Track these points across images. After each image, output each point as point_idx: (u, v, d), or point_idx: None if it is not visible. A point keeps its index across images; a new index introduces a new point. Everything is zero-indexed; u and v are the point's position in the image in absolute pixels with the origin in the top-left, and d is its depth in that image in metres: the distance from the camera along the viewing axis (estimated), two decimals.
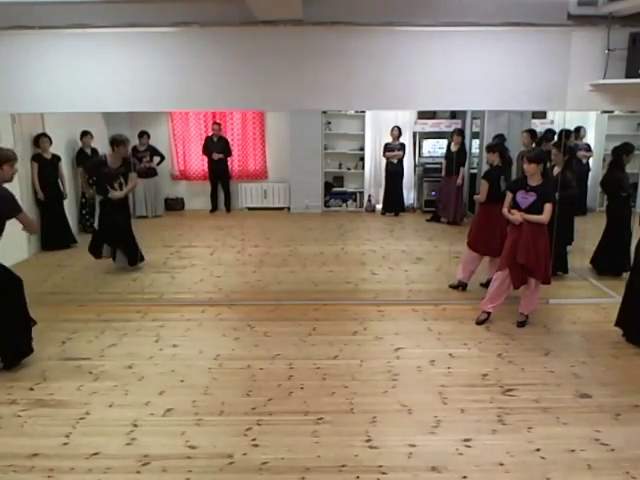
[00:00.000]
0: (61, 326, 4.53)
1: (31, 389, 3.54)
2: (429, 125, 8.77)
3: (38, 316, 4.69)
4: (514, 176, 5.62)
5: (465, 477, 2.71)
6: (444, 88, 4.55)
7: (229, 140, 8.42)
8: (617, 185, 5.50)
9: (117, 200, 5.65)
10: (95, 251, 5.86)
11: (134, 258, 5.87)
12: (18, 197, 5.56)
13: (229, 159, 8.34)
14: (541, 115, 7.06)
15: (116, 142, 5.54)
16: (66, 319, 4.67)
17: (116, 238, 5.79)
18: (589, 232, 5.91)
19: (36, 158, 6.06)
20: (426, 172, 8.68)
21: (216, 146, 8.19)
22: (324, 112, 8.49)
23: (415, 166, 8.92)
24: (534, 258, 4.23)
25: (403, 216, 8.58)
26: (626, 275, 4.49)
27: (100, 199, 5.71)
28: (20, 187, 5.95)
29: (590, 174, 7.11)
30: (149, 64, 4.52)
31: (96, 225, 5.79)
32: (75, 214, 6.79)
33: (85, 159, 6.47)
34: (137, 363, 3.90)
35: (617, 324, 4.30)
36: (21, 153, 5.96)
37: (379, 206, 8.80)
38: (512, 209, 4.37)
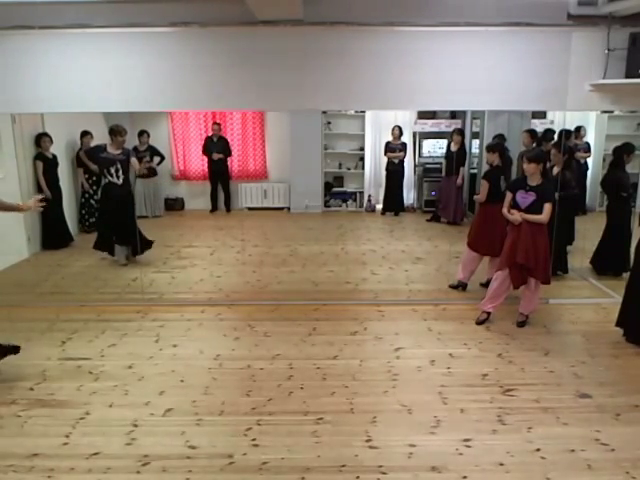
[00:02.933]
0: (61, 326, 4.54)
1: (31, 389, 3.54)
2: (429, 125, 8.77)
3: (38, 316, 4.72)
4: (514, 176, 5.62)
5: (465, 477, 2.71)
6: (444, 88, 4.55)
7: (229, 140, 8.41)
8: (617, 185, 5.49)
9: (118, 188, 5.83)
10: (101, 246, 5.99)
11: (136, 247, 5.99)
12: (19, 197, 5.62)
13: (229, 159, 8.33)
14: (541, 115, 7.05)
15: (113, 132, 5.80)
16: (66, 319, 4.67)
17: (119, 227, 5.91)
18: (589, 232, 5.91)
19: (40, 157, 6.10)
20: (426, 172, 8.68)
21: (216, 146, 8.17)
22: (324, 112, 8.47)
23: (415, 166, 8.91)
24: (534, 258, 4.23)
25: (403, 216, 8.57)
26: (626, 275, 4.49)
27: (102, 185, 5.92)
28: (20, 187, 5.96)
29: (589, 173, 7.12)
30: (149, 64, 4.52)
31: (97, 212, 6.05)
32: (75, 214, 6.80)
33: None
34: (137, 363, 3.90)
35: (618, 324, 4.30)
36: (22, 153, 5.98)
37: (379, 206, 8.79)
38: (512, 209, 4.37)
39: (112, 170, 5.78)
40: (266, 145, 8.69)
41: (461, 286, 5.36)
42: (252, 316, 4.75)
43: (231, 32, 4.44)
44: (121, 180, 5.83)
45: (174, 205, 8.31)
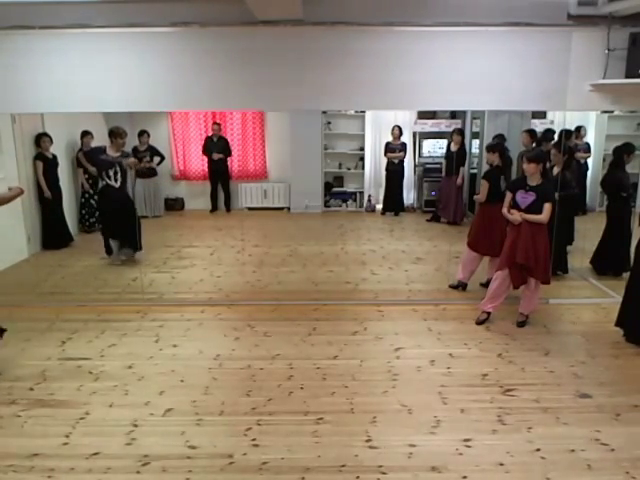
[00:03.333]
0: (61, 326, 4.54)
1: (31, 389, 3.54)
2: (429, 125, 8.77)
3: (38, 316, 4.73)
4: (514, 176, 5.62)
5: (465, 477, 2.71)
6: (444, 88, 4.54)
7: (229, 140, 8.42)
8: (617, 185, 5.49)
9: (116, 191, 5.80)
10: (109, 251, 6.01)
11: (136, 243, 5.96)
12: (19, 197, 5.56)
13: (229, 159, 8.34)
14: (541, 115, 7.06)
15: (113, 134, 5.76)
16: (66, 319, 4.67)
17: (120, 224, 5.86)
18: (589, 232, 5.91)
19: (40, 157, 6.10)
20: (426, 172, 8.68)
21: (216, 146, 8.19)
22: (324, 112, 8.49)
23: (415, 166, 8.92)
24: (533, 258, 4.23)
25: (403, 216, 8.58)
26: (626, 275, 4.49)
27: (100, 187, 5.88)
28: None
29: (589, 174, 7.13)
30: (149, 64, 4.52)
31: (98, 216, 5.98)
32: (75, 214, 6.80)
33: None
34: (137, 363, 3.90)
35: (617, 324, 4.29)
36: (22, 153, 5.98)
37: (379, 206, 8.80)
38: (512, 209, 4.37)
39: (110, 173, 5.75)
40: (266, 145, 8.71)
41: (461, 286, 5.36)
42: (252, 316, 4.75)
43: (231, 32, 4.44)
44: (119, 183, 5.79)
45: (174, 205, 8.32)
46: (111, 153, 5.78)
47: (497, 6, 4.39)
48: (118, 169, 5.79)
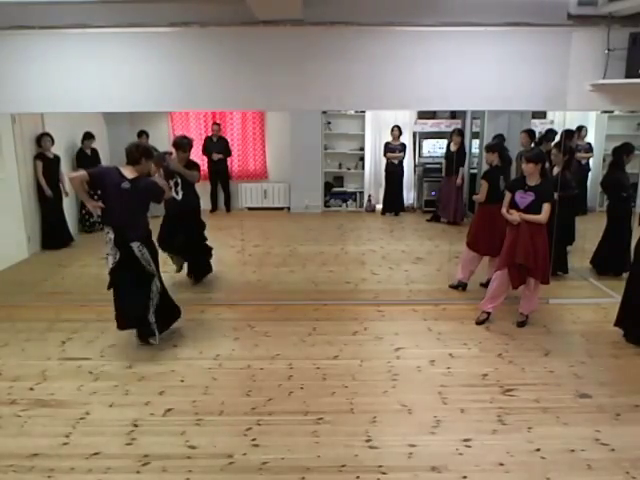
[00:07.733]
0: (61, 326, 4.53)
1: (31, 389, 3.54)
2: (429, 125, 8.77)
3: (38, 316, 4.72)
4: (513, 176, 5.62)
5: (465, 477, 2.71)
6: (444, 88, 4.55)
7: (229, 140, 8.41)
8: (617, 185, 5.49)
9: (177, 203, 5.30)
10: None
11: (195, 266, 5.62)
12: (18, 196, 5.54)
13: (229, 159, 8.34)
14: (541, 115, 7.06)
15: (181, 147, 5.22)
16: (66, 319, 4.67)
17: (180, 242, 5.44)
18: (589, 232, 5.91)
19: (40, 157, 6.11)
20: (426, 172, 8.69)
21: (216, 146, 8.17)
22: (324, 112, 8.48)
23: (415, 166, 8.92)
24: (533, 258, 4.23)
25: (403, 216, 8.58)
26: (626, 275, 4.49)
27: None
28: (20, 187, 5.96)
29: (590, 174, 7.12)
30: (149, 64, 4.52)
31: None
32: (75, 214, 6.80)
33: (85, 159, 6.55)
34: (137, 363, 3.90)
35: (616, 324, 4.29)
36: (22, 153, 5.98)
37: (379, 206, 8.80)
38: (511, 209, 4.37)
39: (171, 183, 5.19)
40: (266, 145, 8.69)
41: (461, 286, 5.36)
42: (252, 316, 4.75)
43: (231, 32, 4.44)
44: (180, 195, 5.29)
45: None
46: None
47: (497, 6, 4.39)
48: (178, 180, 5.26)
